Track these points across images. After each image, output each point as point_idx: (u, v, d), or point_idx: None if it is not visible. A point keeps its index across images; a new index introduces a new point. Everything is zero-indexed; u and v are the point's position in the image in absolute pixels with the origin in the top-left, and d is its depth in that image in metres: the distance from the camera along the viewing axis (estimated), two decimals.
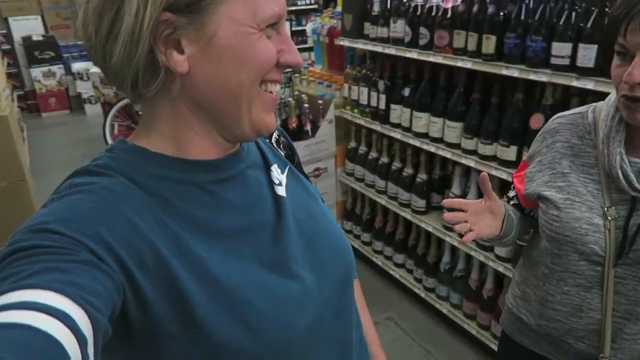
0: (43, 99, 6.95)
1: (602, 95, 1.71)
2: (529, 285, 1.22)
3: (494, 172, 2.10)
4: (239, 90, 0.59)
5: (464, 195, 2.36)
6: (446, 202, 1.13)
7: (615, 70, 0.93)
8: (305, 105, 2.92)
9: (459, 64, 2.12)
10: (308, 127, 2.97)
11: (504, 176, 2.06)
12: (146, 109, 0.63)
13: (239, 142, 0.68)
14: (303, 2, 7.98)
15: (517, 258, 2.08)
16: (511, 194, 1.26)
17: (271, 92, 0.63)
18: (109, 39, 0.55)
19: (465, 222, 1.09)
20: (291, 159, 0.85)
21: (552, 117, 1.16)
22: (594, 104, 1.11)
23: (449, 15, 2.15)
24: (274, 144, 0.83)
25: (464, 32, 2.08)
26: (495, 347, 2.33)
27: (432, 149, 2.40)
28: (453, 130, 2.28)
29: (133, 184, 0.58)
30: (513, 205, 1.24)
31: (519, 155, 2.01)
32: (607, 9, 1.60)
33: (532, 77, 1.84)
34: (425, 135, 2.44)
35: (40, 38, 6.84)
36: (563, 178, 1.09)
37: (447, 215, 1.10)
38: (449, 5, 2.15)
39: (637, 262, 1.01)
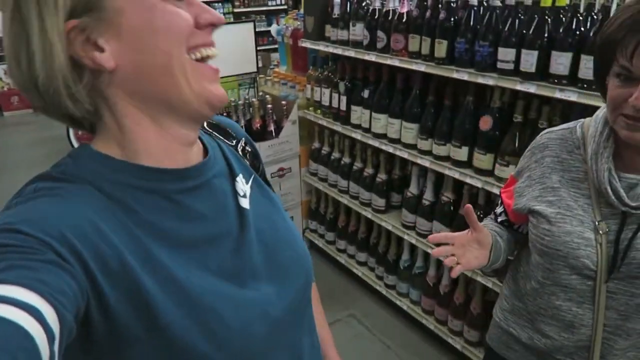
0: (5, 98, 6.78)
1: (545, 99, 1.80)
2: (519, 299, 1.22)
3: (447, 172, 2.18)
4: (166, 62, 0.59)
5: (421, 194, 2.43)
6: (432, 238, 1.11)
7: (615, 91, 0.92)
8: (269, 105, 2.94)
9: (414, 67, 2.19)
10: (272, 127, 3.00)
11: (457, 176, 2.13)
12: (98, 121, 0.63)
13: (196, 120, 0.66)
14: (273, 3, 8.00)
15: None
16: (499, 210, 1.25)
17: (206, 62, 0.63)
18: (29, 60, 0.56)
19: (453, 255, 1.07)
20: (256, 167, 0.85)
21: (541, 133, 1.17)
22: (582, 119, 1.11)
23: (404, 20, 2.21)
24: (240, 152, 0.82)
25: (418, 36, 2.14)
26: (451, 342, 2.41)
27: (391, 150, 2.46)
28: (410, 132, 2.34)
29: (97, 191, 0.58)
30: (501, 222, 1.24)
31: (470, 155, 2.08)
32: (547, 17, 1.68)
33: (481, 80, 1.91)
34: (384, 136, 2.50)
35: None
36: (553, 192, 1.09)
37: (435, 251, 1.09)
38: (405, 10, 2.21)
39: (629, 277, 1.01)
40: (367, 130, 2.59)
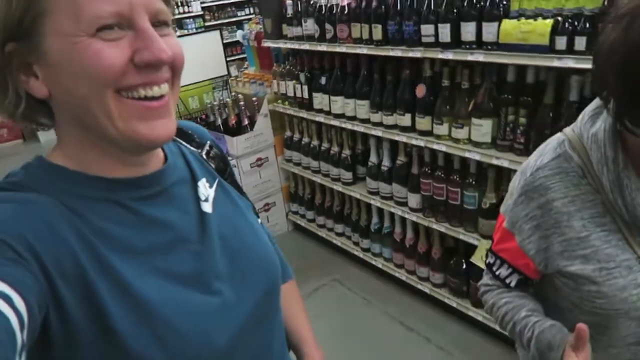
0: None
1: (463, 63, 2.14)
2: None
3: (397, 138, 2.52)
4: (86, 105, 0.56)
5: (380, 162, 2.76)
6: None
7: None
8: (242, 103, 3.28)
9: (358, 51, 2.53)
10: (246, 122, 3.33)
11: (404, 140, 2.47)
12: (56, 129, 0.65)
13: (132, 152, 0.65)
14: (242, 13, 8.35)
15: (427, 209, 2.49)
16: (503, 272, 1.03)
17: (143, 99, 0.58)
18: None
19: None
20: (223, 170, 0.84)
21: (529, 171, 0.96)
22: (563, 137, 0.95)
23: (346, 12, 2.56)
24: (204, 157, 0.81)
25: (358, 24, 2.49)
26: (421, 287, 2.74)
27: (349, 126, 2.80)
28: (362, 108, 2.68)
29: (51, 198, 0.58)
30: (515, 286, 1.03)
31: (413, 120, 2.42)
32: None
33: (411, 54, 2.26)
34: (342, 116, 2.84)
35: None
36: (583, 244, 0.91)
37: None
38: (345, 2, 2.56)
39: None
40: (328, 113, 2.93)
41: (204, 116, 3.61)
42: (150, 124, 0.59)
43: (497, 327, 2.34)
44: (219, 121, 3.37)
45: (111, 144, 0.61)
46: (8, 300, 0.45)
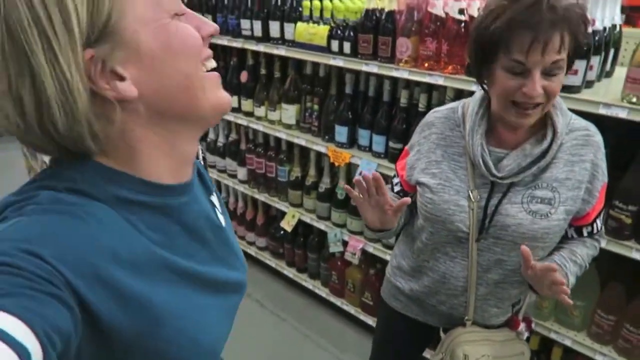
0: None
1: (268, 57, 2.51)
2: (404, 257, 1.41)
3: (226, 117, 2.85)
4: (189, 82, 0.58)
5: (217, 138, 3.08)
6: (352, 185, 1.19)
7: (508, 83, 1.04)
8: None
9: None
10: None
11: (232, 119, 2.82)
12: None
13: (202, 132, 0.67)
14: None
15: (251, 180, 2.85)
16: (395, 180, 1.38)
17: (211, 70, 0.62)
18: (42, 111, 0.50)
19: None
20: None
21: (430, 112, 1.33)
22: (464, 100, 1.27)
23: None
24: (202, 164, 0.82)
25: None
26: (249, 251, 3.12)
27: None
28: None
29: (112, 210, 0.56)
30: (397, 192, 1.37)
31: (239, 102, 2.77)
32: None
33: (234, 44, 2.59)
34: None
35: None
36: (436, 166, 1.23)
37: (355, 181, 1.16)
38: None
39: (493, 237, 1.19)
40: None
41: None
42: (223, 90, 0.63)
43: (304, 283, 2.80)
44: None
45: (189, 128, 0.62)
46: (23, 354, 0.41)
